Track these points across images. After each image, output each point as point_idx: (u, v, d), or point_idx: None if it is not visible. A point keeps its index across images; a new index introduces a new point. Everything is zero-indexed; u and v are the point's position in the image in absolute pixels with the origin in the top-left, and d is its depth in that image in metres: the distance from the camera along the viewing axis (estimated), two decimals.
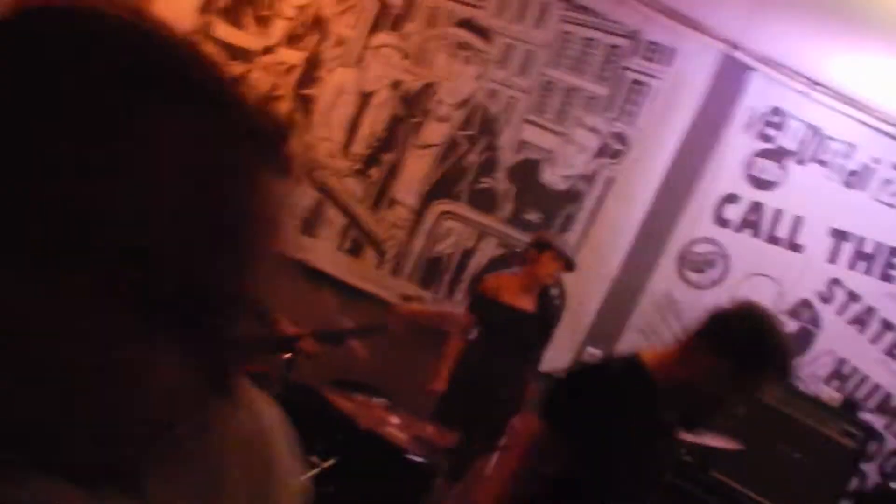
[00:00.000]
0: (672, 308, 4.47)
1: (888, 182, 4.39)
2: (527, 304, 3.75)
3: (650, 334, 4.49)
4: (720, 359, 1.76)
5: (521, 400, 3.85)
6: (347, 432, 3.23)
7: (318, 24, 4.40)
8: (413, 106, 4.44)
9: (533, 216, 4.42)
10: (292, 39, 4.41)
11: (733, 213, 4.46)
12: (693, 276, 4.49)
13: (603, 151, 4.42)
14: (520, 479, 1.85)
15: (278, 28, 4.40)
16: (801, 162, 4.42)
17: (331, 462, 3.12)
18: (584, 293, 4.42)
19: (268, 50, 4.42)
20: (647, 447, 1.86)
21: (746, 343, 1.76)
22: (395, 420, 3.45)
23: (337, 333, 2.73)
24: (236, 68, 4.41)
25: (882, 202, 4.38)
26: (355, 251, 4.49)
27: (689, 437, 3.56)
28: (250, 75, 4.43)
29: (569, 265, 3.78)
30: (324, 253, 4.44)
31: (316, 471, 3.11)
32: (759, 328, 1.79)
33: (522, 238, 4.41)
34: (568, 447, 1.80)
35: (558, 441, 1.81)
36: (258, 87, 4.43)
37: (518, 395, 3.82)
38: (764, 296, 4.45)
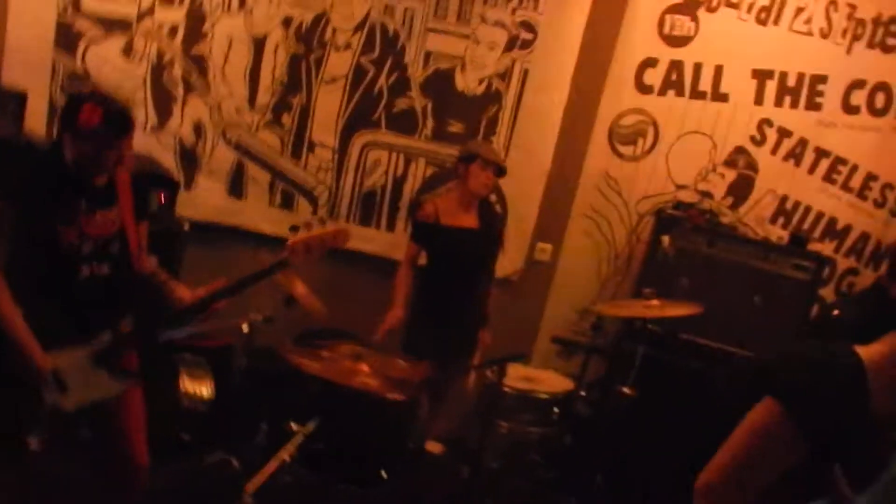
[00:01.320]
0: (612, 185, 4.48)
1: (800, 10, 4.33)
2: (469, 221, 3.71)
3: (596, 216, 4.51)
4: None
5: (484, 314, 3.89)
6: (321, 390, 3.26)
7: None
8: (309, 41, 4.24)
9: (456, 127, 4.33)
10: None
11: (654, 77, 4.39)
12: (626, 148, 4.47)
13: (512, 44, 4.29)
14: (754, 468, 1.88)
15: None
16: (711, 9, 4.34)
17: (310, 426, 3.16)
18: (523, 192, 4.40)
19: (144, 14, 4.16)
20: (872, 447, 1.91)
21: None
22: (364, 368, 3.48)
23: (239, 282, 2.70)
24: (116, 40, 4.16)
25: (798, 32, 4.34)
26: (287, 204, 4.39)
27: (650, 312, 3.67)
28: (134, 45, 4.18)
29: (499, 171, 3.72)
30: (256, 212, 4.35)
31: (298, 438, 3.15)
32: None
33: (450, 151, 4.33)
34: (809, 438, 1.83)
35: (799, 430, 1.83)
36: (146, 57, 4.20)
37: (481, 310, 3.86)
38: (699, 152, 4.47)
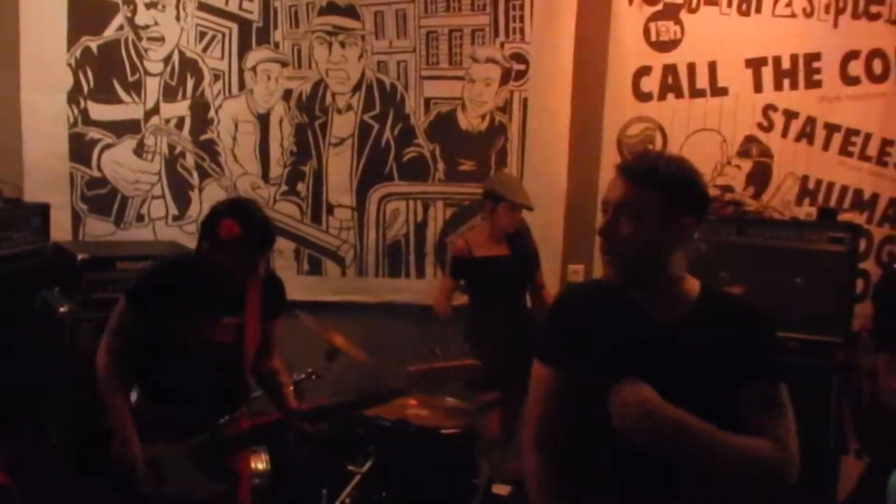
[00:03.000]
0: None
1: None
2: (500, 250, 3.87)
3: None
4: None
5: (532, 339, 3.85)
6: (374, 432, 3.20)
7: (188, 68, 4.29)
8: (311, 108, 4.36)
9: (466, 165, 4.39)
10: (169, 93, 4.29)
11: (650, 84, 4.45)
12: None
13: (507, 77, 4.39)
14: None
15: (151, 87, 4.28)
16: (692, 10, 4.42)
17: (368, 466, 3.08)
18: (545, 217, 4.40)
19: (151, 113, 4.31)
20: None
21: None
22: (412, 402, 3.43)
23: (351, 404, 2.74)
24: (128, 142, 4.30)
25: (781, 16, 4.40)
26: (315, 269, 4.43)
27: None
28: (145, 143, 4.31)
29: (527, 208, 3.83)
30: (287, 284, 4.36)
31: (356, 479, 3.07)
32: None
33: (466, 190, 4.38)
34: None
35: None
36: (158, 153, 4.33)
37: (529, 335, 3.83)
38: (710, 148, 4.48)
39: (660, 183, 1.64)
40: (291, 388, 2.94)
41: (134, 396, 2.67)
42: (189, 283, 2.53)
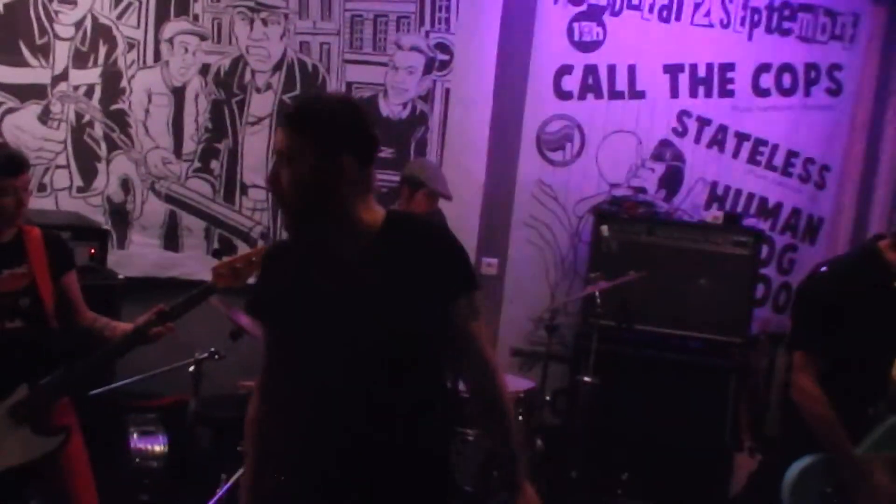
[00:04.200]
0: (547, 192, 4.54)
1: (697, 5, 4.53)
2: None
3: (536, 224, 4.55)
4: None
5: None
6: None
7: (101, 34, 4.12)
8: (229, 85, 4.26)
9: (387, 152, 4.36)
10: (80, 59, 4.12)
11: (571, 83, 4.52)
12: (555, 154, 4.55)
13: (430, 66, 4.38)
14: None
15: (61, 52, 4.10)
16: (615, 13, 4.51)
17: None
18: (462, 208, 4.40)
19: (59, 78, 4.13)
20: None
21: None
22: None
23: (174, 307, 2.65)
24: (33, 108, 4.11)
25: (699, 25, 4.54)
26: (226, 250, 4.31)
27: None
28: (51, 109, 4.13)
29: (446, 198, 3.80)
30: (194, 263, 4.26)
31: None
32: None
33: (385, 177, 4.35)
34: None
35: None
36: (65, 120, 4.16)
37: None
38: (626, 150, 4.57)
39: (311, 125, 1.63)
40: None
41: None
42: None
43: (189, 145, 4.25)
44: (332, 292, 1.68)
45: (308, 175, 1.62)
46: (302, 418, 1.73)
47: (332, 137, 1.62)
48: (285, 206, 1.69)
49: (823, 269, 2.59)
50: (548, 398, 4.08)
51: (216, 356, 3.45)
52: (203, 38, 4.21)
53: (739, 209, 4.58)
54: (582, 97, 4.53)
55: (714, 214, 4.34)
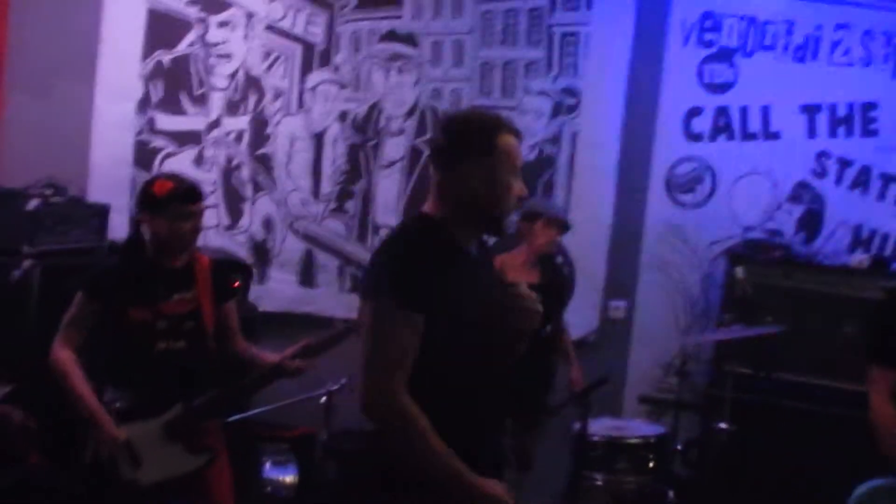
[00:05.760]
0: (677, 234, 4.45)
1: (836, 44, 4.40)
2: (530, 277, 3.74)
3: (665, 267, 4.46)
4: None
5: (552, 369, 3.84)
6: None
7: (251, 85, 4.47)
8: (365, 130, 4.49)
9: None
10: (232, 107, 4.47)
11: (702, 124, 4.46)
12: (685, 197, 4.47)
13: (558, 110, 4.45)
14: None
15: (216, 102, 4.47)
16: (747, 55, 4.44)
17: None
18: (588, 250, 4.40)
19: (213, 125, 4.49)
20: None
21: None
22: None
23: (319, 342, 2.76)
24: (189, 152, 4.48)
25: (837, 64, 4.39)
26: (358, 288, 4.48)
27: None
28: (205, 154, 4.48)
29: (563, 226, 3.78)
30: (328, 299, 4.44)
31: None
32: None
33: (512, 219, 4.40)
34: None
35: None
36: (216, 164, 4.49)
37: (549, 366, 3.82)
38: (760, 192, 4.44)
39: None
40: None
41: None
42: (137, 266, 2.70)
43: (326, 187, 4.49)
44: (492, 287, 1.96)
45: None
46: (478, 406, 1.90)
47: None
48: (510, 211, 2.01)
49: None
50: (679, 447, 3.92)
51: (350, 389, 3.55)
52: (343, 86, 4.48)
53: (886, 253, 4.32)
54: (713, 139, 4.46)
55: (859, 258, 4.11)
